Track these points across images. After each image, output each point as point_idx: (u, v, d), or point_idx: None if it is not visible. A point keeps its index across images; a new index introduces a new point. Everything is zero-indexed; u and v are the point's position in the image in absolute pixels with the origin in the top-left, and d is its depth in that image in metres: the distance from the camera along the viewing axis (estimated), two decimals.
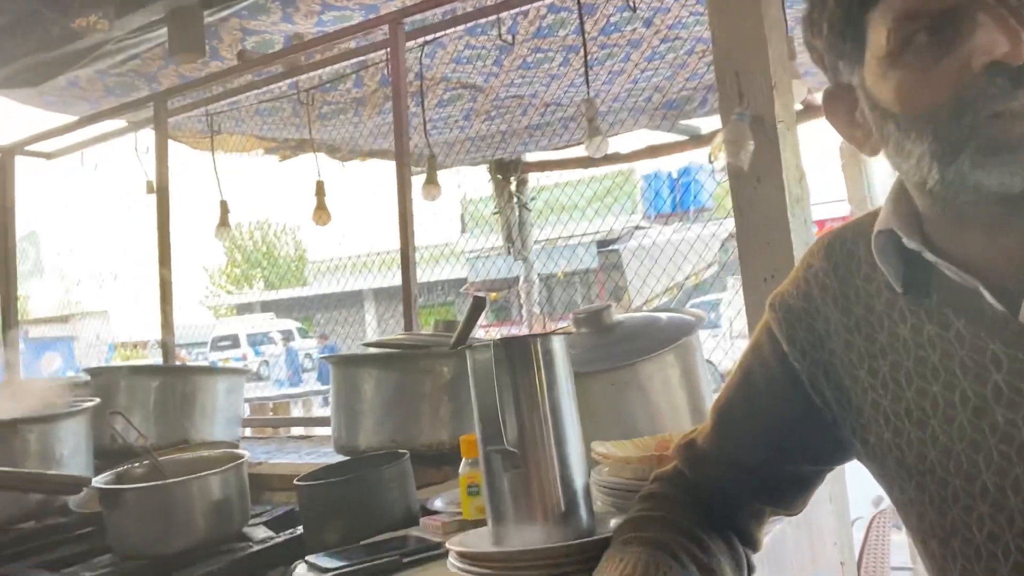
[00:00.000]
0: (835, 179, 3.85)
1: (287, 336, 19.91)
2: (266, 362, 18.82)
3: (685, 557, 0.92)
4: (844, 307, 0.91)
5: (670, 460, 1.09)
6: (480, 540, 1.16)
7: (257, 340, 20.27)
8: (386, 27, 2.83)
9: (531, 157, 5.29)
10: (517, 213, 5.27)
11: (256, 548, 1.69)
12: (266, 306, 22.54)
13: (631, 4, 2.89)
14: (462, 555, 1.11)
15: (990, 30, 0.73)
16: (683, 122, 4.54)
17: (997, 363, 0.77)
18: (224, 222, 4.10)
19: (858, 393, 0.89)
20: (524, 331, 5.42)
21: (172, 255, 3.47)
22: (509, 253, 5.33)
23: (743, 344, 1.06)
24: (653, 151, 4.82)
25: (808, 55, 0.93)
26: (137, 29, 2.75)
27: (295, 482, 1.59)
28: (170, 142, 3.60)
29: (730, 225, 2.04)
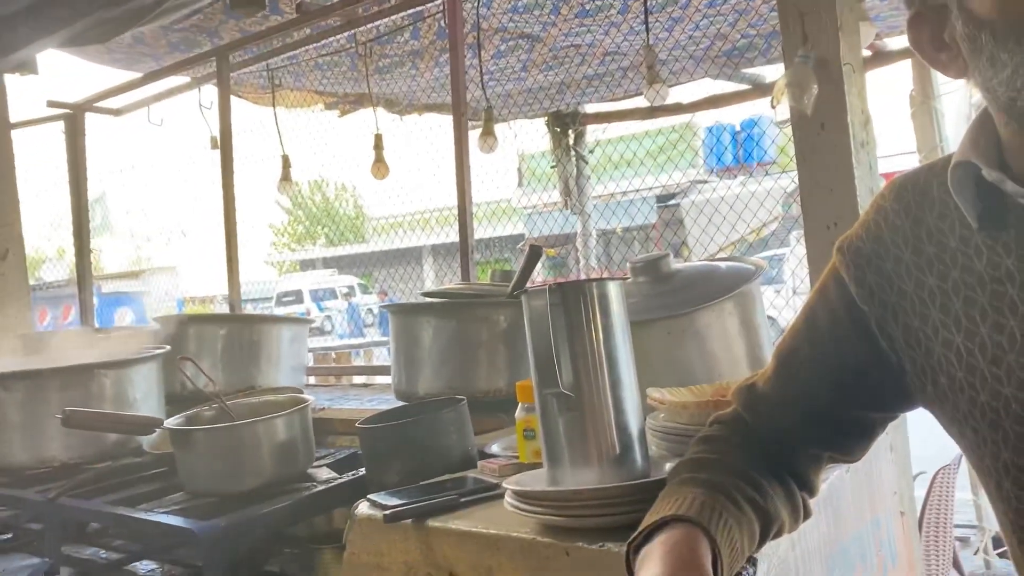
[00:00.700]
0: (905, 129, 3.71)
1: (349, 292, 20.25)
2: (329, 317, 19.17)
3: (741, 498, 0.92)
4: (916, 247, 0.89)
5: (727, 406, 1.09)
6: (536, 481, 1.18)
7: (320, 295, 20.64)
8: None
9: (589, 109, 5.22)
10: (575, 166, 5.23)
11: (320, 488, 1.75)
12: (327, 262, 22.88)
13: None
14: (518, 494, 1.13)
15: None
16: (746, 70, 4.41)
17: None
18: (286, 176, 4.17)
19: (928, 333, 0.88)
20: None
21: (236, 210, 3.55)
22: (567, 207, 5.30)
23: (806, 298, 1.05)
24: (715, 101, 4.69)
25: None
26: None
27: (357, 425, 1.63)
28: (232, 98, 3.66)
29: (795, 178, 1.99)
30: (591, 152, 5.30)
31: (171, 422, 1.86)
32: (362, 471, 1.74)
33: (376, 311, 17.79)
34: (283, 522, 1.73)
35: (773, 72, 4.37)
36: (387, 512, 1.26)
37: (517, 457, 1.45)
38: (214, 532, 1.54)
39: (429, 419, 1.58)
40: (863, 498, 1.38)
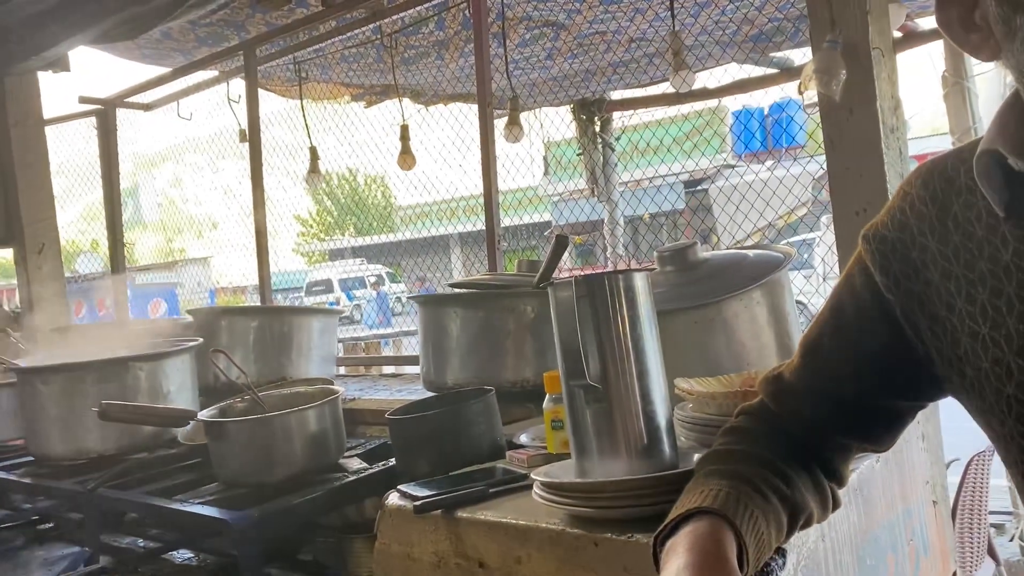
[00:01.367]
0: (938, 110, 3.65)
1: (378, 281, 20.37)
2: (358, 306, 19.29)
3: (767, 489, 0.92)
4: (942, 235, 0.88)
5: (755, 396, 1.08)
6: (564, 472, 1.18)
7: (349, 285, 20.78)
8: None
9: (615, 96, 5.20)
10: (601, 154, 5.21)
11: (351, 478, 1.77)
12: (356, 252, 23.01)
13: None
14: (546, 485, 1.14)
15: None
16: (774, 55, 4.37)
17: None
18: (314, 168, 4.20)
19: (954, 323, 0.87)
20: None
21: (265, 201, 3.58)
22: (593, 194, 5.28)
23: (834, 285, 1.04)
24: (742, 86, 4.64)
25: None
26: None
27: (387, 416, 1.64)
28: (260, 91, 3.70)
29: (824, 163, 1.96)
30: (617, 139, 5.27)
31: (204, 414, 1.89)
32: (392, 461, 1.76)
33: (404, 300, 17.84)
34: (315, 512, 1.75)
35: (801, 55, 4.32)
36: (417, 503, 1.27)
37: (545, 447, 1.46)
38: (247, 522, 1.56)
39: (458, 410, 1.59)
40: (894, 487, 1.37)
